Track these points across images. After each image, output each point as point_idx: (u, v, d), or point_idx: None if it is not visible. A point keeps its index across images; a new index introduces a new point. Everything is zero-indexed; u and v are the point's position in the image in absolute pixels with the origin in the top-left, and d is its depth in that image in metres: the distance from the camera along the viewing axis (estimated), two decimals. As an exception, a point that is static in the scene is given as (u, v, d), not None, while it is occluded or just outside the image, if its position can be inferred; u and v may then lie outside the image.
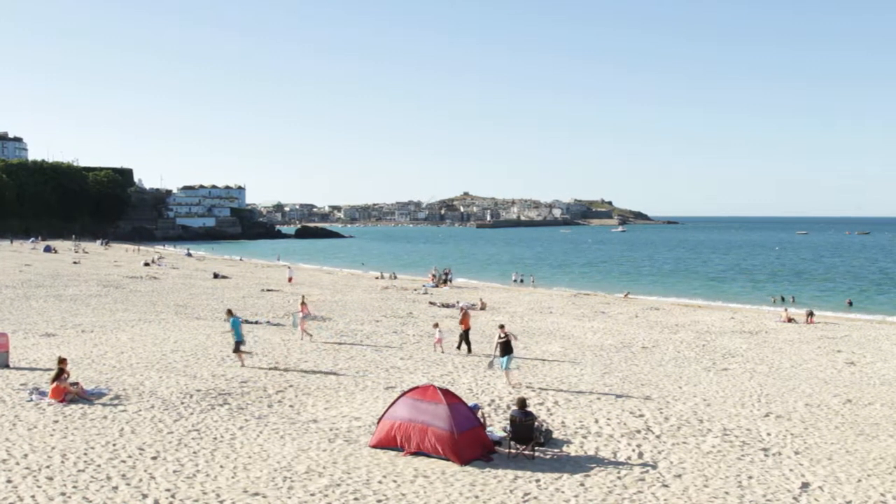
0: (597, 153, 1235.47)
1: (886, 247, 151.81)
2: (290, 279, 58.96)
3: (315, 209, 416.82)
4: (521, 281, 67.35)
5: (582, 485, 12.71)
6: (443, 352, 26.29)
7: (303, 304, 29.71)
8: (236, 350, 22.13)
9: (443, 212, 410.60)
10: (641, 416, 17.62)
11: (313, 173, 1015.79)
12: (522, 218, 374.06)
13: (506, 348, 20.76)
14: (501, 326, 21.33)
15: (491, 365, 21.41)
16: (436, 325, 27.68)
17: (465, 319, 27.08)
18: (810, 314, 40.74)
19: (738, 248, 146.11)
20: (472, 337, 26.60)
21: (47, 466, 12.78)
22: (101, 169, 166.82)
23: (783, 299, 55.53)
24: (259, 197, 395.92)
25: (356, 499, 11.74)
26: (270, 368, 22.01)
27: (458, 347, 26.77)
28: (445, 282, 61.28)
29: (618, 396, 19.68)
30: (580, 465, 13.82)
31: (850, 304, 53.41)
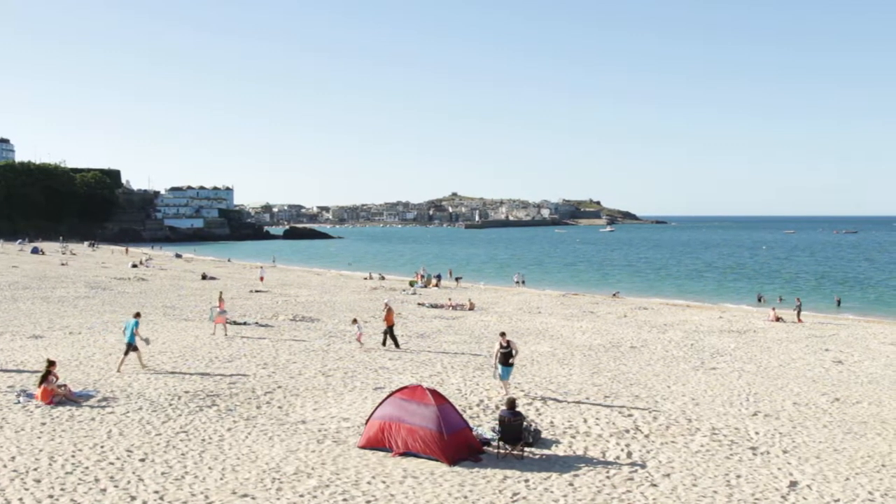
0: (585, 153, 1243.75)
1: (862, 245, 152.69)
2: (261, 278, 59.96)
3: (303, 210, 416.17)
4: (523, 282, 66.93)
5: (571, 484, 12.72)
6: (363, 348, 26.45)
7: (220, 299, 30.26)
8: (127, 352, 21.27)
9: (431, 212, 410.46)
10: (630, 415, 17.66)
11: (302, 174, 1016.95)
12: (511, 218, 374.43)
13: (506, 358, 19.24)
14: (503, 334, 20.07)
15: (494, 374, 20.47)
16: (354, 322, 27.90)
17: (388, 316, 27.16)
18: (798, 308, 40.98)
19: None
20: (462, 337, 26.58)
21: (35, 469, 12.71)
22: (89, 170, 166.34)
23: (760, 300, 55.63)
24: (247, 198, 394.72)
25: (345, 500, 11.72)
26: (259, 369, 21.95)
27: (384, 344, 26.94)
28: (436, 283, 61.34)
29: (606, 396, 19.71)
30: (569, 464, 13.83)
31: (839, 303, 53.61)
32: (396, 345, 26.79)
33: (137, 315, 22.46)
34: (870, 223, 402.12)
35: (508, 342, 19.47)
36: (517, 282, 66.50)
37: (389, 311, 27.47)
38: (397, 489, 12.21)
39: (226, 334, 28.42)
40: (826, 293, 62.16)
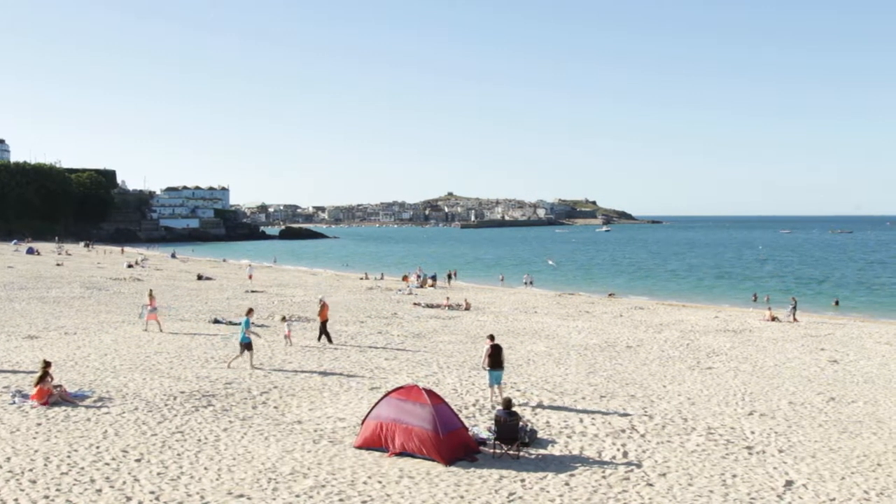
0: (582, 153, 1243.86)
1: (856, 245, 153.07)
2: (250, 276, 60.71)
3: (299, 210, 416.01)
4: (531, 283, 66.54)
5: (567, 484, 12.72)
6: (290, 345, 26.46)
7: (150, 297, 30.47)
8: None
9: (427, 212, 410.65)
10: (626, 415, 17.67)
11: (297, 174, 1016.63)
12: (507, 218, 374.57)
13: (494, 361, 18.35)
14: (490, 337, 19.38)
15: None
16: (283, 319, 28.04)
17: (322, 311, 27.39)
18: (793, 307, 40.99)
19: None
20: (458, 337, 26.53)
21: (30, 469, 12.68)
22: (84, 170, 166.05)
23: (755, 299, 55.77)
24: (243, 198, 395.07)
25: (341, 500, 11.71)
26: (255, 369, 21.93)
27: (319, 339, 27.20)
28: (432, 283, 61.32)
29: (602, 396, 19.73)
30: (565, 464, 13.84)
31: (837, 303, 53.62)
32: (329, 340, 27.11)
33: (249, 312, 22.97)
34: (865, 223, 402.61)
35: (493, 346, 18.58)
36: (525, 283, 66.30)
37: (324, 306, 27.73)
38: (393, 489, 12.20)
39: (160, 330, 28.81)
40: (821, 292, 62.33)
